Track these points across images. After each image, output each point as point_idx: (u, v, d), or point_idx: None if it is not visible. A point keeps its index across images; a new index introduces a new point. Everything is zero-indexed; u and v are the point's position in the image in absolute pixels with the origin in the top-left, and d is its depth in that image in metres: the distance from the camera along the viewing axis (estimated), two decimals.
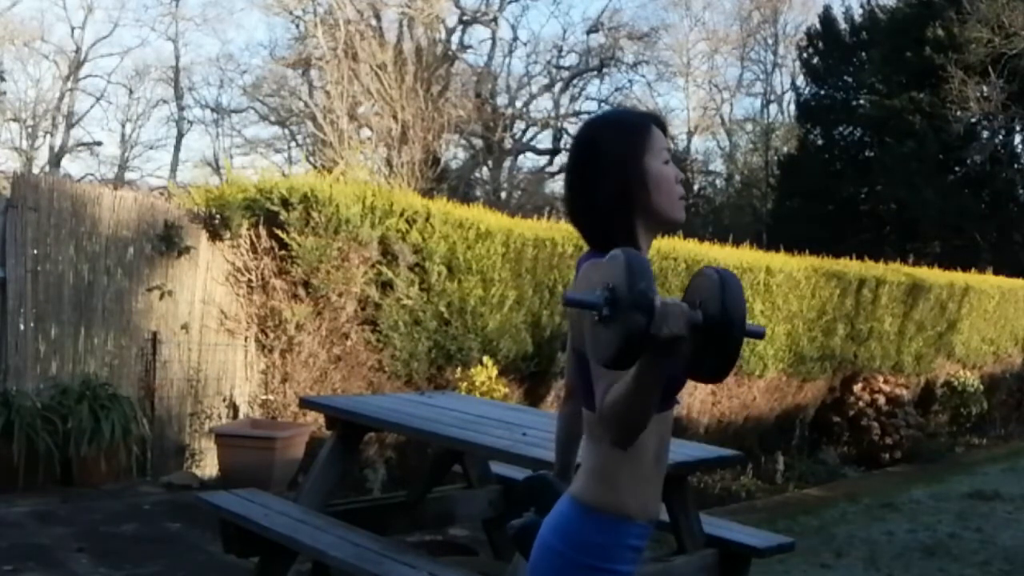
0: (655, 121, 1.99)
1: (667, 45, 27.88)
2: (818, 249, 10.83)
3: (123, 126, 29.16)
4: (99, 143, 28.02)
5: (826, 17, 23.18)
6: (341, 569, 3.45)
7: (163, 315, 6.58)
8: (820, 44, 23.18)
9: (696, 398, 8.88)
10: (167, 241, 6.56)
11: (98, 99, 28.19)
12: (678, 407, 2.00)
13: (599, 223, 1.94)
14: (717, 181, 29.16)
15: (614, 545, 1.84)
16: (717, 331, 1.58)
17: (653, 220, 1.94)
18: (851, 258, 11.02)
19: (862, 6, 22.88)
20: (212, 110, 28.03)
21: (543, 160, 27.39)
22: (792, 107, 26.51)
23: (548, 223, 8.20)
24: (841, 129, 22.50)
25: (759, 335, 1.70)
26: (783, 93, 28.87)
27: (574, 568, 1.84)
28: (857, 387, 10.14)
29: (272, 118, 26.22)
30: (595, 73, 27.02)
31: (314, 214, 6.58)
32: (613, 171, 1.92)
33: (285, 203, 6.62)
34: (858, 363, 10.49)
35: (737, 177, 28.48)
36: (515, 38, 26.77)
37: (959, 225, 18.78)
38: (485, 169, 25.98)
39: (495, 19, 25.26)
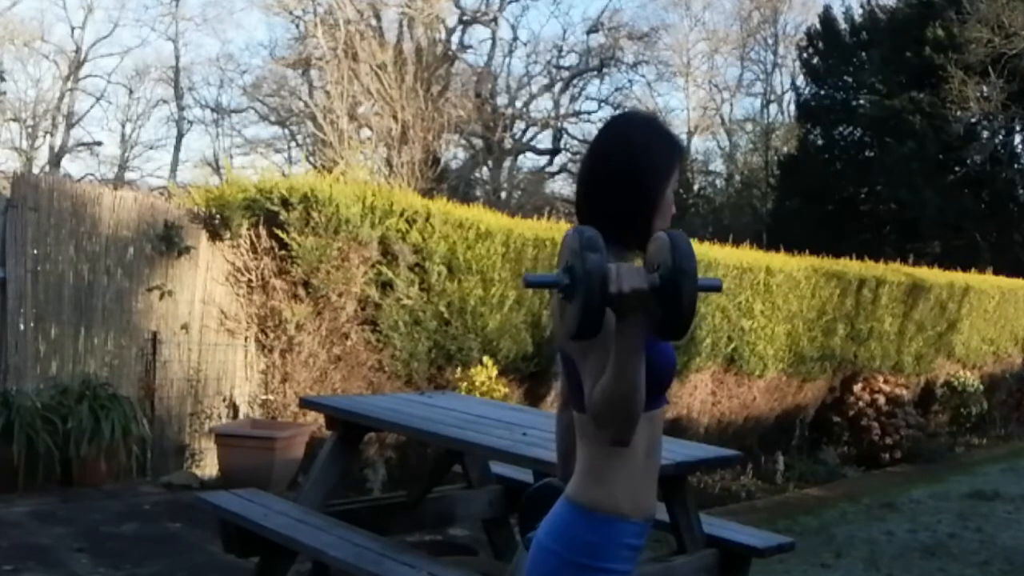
0: (683, 150, 2.07)
1: (667, 45, 27.94)
2: (818, 249, 10.82)
3: (123, 126, 29.20)
4: (99, 143, 28.05)
5: (826, 17, 23.17)
6: (341, 569, 3.45)
7: (163, 315, 6.57)
8: (820, 44, 23.16)
9: (696, 398, 8.88)
10: (167, 241, 6.56)
11: (98, 99, 28.23)
12: (666, 406, 2.00)
13: (621, 223, 1.93)
14: (717, 181, 29.17)
15: (608, 544, 1.85)
16: (671, 287, 1.66)
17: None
18: (851, 258, 11.01)
19: (862, 6, 22.89)
20: (212, 110, 28.07)
21: (543, 160, 27.45)
22: (792, 107, 26.52)
23: (548, 223, 8.20)
24: (841, 129, 22.48)
25: (716, 288, 1.86)
26: (783, 93, 28.91)
27: (569, 568, 1.84)
28: (857, 387, 10.14)
29: (272, 118, 26.24)
30: (595, 73, 27.05)
31: (314, 214, 6.58)
32: (653, 181, 1.94)
33: (285, 203, 6.62)
34: (858, 363, 10.49)
35: (737, 177, 28.47)
36: (515, 38, 26.83)
37: (959, 225, 18.77)
38: (485, 169, 25.99)
39: (495, 19, 25.29)
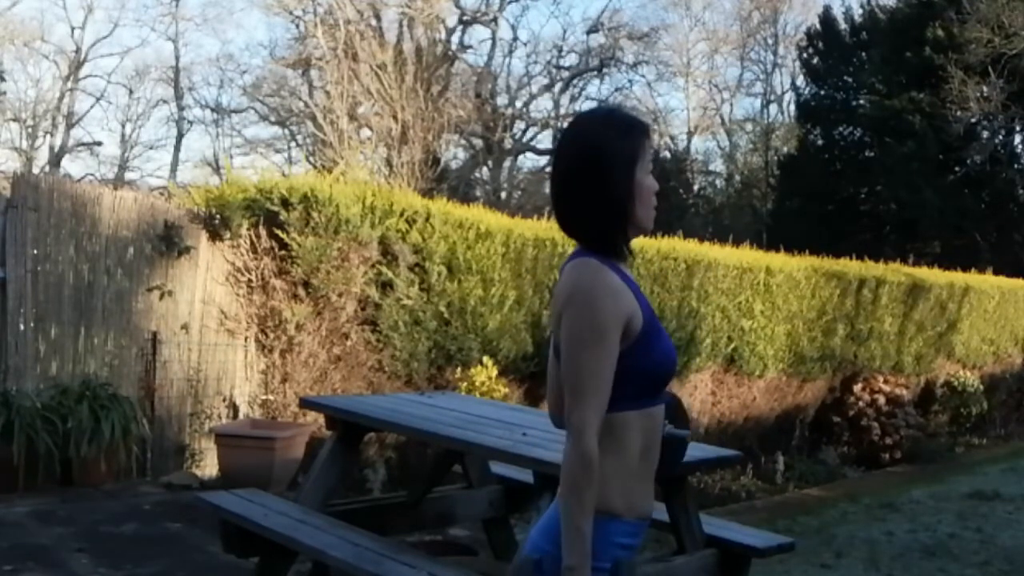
0: (646, 129, 1.99)
1: (667, 45, 27.97)
2: (818, 249, 10.82)
3: (123, 126, 29.23)
4: (99, 143, 28.07)
5: (826, 17, 23.18)
6: (341, 569, 3.45)
7: (163, 315, 6.57)
8: (820, 44, 23.17)
9: (696, 398, 8.88)
10: (167, 241, 6.56)
11: (98, 99, 28.26)
12: (663, 405, 1.98)
13: (597, 226, 1.93)
14: (717, 181, 29.19)
15: (600, 544, 1.84)
16: None
17: (632, 227, 1.95)
18: (851, 258, 11.01)
19: (862, 6, 22.91)
20: (212, 110, 28.09)
21: (543, 160, 27.40)
22: (792, 107, 26.55)
23: (548, 223, 8.19)
24: (841, 129, 22.49)
25: None
26: (783, 93, 28.93)
27: (560, 567, 1.83)
28: (857, 387, 10.14)
29: (272, 118, 26.26)
30: (595, 73, 27.07)
31: (314, 214, 6.58)
32: (618, 176, 1.91)
33: (285, 203, 6.62)
34: (858, 363, 10.48)
35: (737, 177, 28.48)
36: (515, 38, 26.85)
37: (959, 225, 18.77)
38: (485, 169, 26.00)
39: (495, 19, 25.30)
